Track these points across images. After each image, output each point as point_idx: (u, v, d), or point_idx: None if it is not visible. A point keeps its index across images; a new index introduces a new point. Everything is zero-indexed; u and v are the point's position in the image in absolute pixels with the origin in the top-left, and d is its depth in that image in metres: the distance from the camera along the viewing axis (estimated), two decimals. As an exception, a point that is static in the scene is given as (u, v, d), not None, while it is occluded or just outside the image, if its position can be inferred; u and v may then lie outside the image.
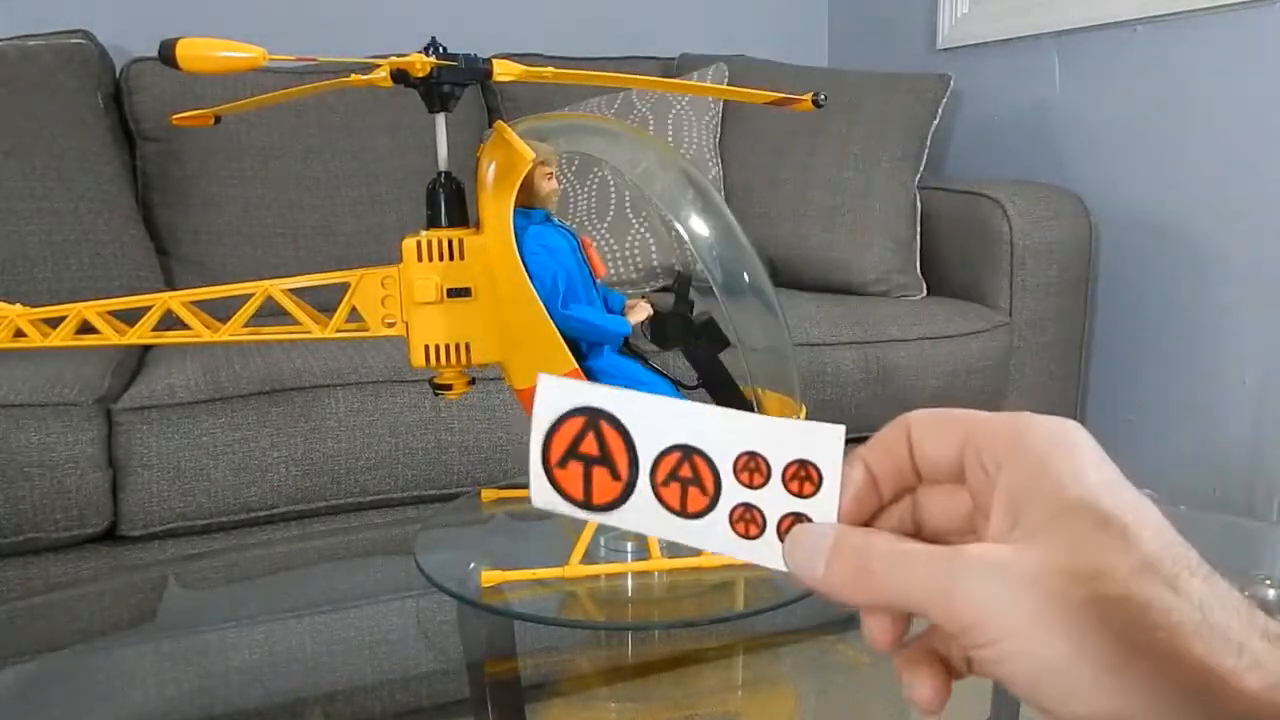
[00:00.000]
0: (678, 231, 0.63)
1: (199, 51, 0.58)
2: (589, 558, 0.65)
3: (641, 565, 0.67)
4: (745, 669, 0.69)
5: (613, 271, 1.56)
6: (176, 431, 1.09)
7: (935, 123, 1.66)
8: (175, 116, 0.72)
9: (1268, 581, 0.71)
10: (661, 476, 0.30)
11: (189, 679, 0.69)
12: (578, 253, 0.66)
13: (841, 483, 0.28)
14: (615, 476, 0.30)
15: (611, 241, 1.58)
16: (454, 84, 0.63)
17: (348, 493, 1.15)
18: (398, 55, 0.62)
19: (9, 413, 1.04)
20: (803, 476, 0.28)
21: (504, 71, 0.63)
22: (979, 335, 1.46)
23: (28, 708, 0.64)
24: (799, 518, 0.28)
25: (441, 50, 0.62)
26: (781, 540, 0.29)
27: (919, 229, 1.62)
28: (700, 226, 0.63)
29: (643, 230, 1.58)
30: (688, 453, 0.30)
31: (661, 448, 0.30)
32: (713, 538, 0.30)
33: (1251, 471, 1.44)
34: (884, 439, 0.29)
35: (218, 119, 0.72)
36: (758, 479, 0.29)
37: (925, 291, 1.60)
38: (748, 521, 0.29)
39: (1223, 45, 1.44)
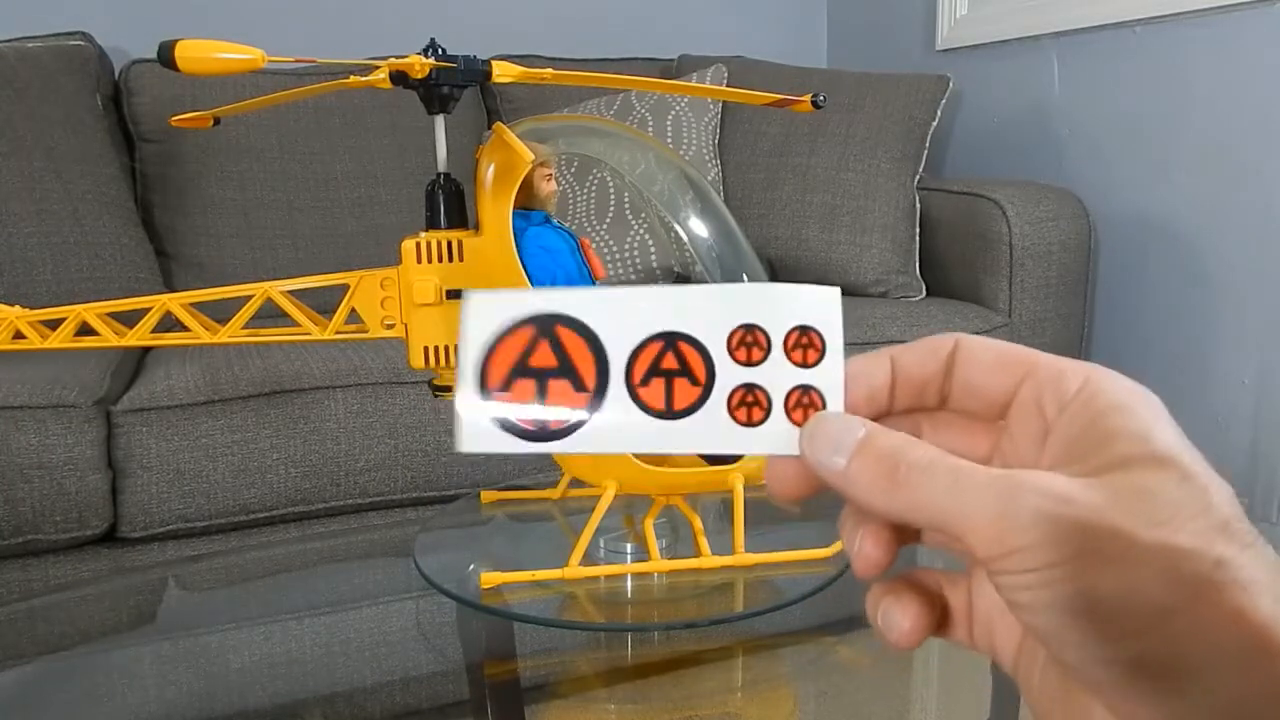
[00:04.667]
0: (677, 233, 0.63)
1: (198, 53, 0.58)
2: (588, 559, 0.65)
3: (641, 566, 0.67)
4: (745, 670, 0.69)
5: (612, 273, 1.56)
6: (176, 433, 1.09)
7: (934, 123, 1.66)
8: (174, 118, 0.72)
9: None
10: (640, 374, 0.26)
11: (189, 681, 0.69)
12: (577, 254, 0.67)
13: (859, 374, 0.26)
14: (579, 387, 0.26)
15: (611, 243, 1.58)
16: (453, 85, 0.63)
17: (347, 494, 1.15)
18: (397, 57, 0.62)
19: (8, 414, 1.04)
20: (805, 344, 0.26)
21: (503, 73, 0.63)
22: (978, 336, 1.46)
23: (28, 710, 0.64)
24: (806, 390, 0.26)
25: (440, 52, 0.62)
26: (790, 418, 0.26)
27: (918, 230, 1.62)
28: (699, 227, 0.63)
29: (642, 231, 1.58)
30: (670, 339, 0.26)
31: (638, 340, 0.26)
32: (709, 434, 0.26)
33: (1251, 471, 1.44)
34: (922, 348, 0.27)
35: (217, 120, 0.73)
36: (756, 354, 0.26)
37: (924, 292, 1.60)
38: (750, 405, 0.26)
39: (1223, 45, 1.44)
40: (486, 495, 0.81)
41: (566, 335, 0.26)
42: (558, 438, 0.26)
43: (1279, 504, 1.40)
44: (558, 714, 0.65)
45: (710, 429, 0.26)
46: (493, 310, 0.26)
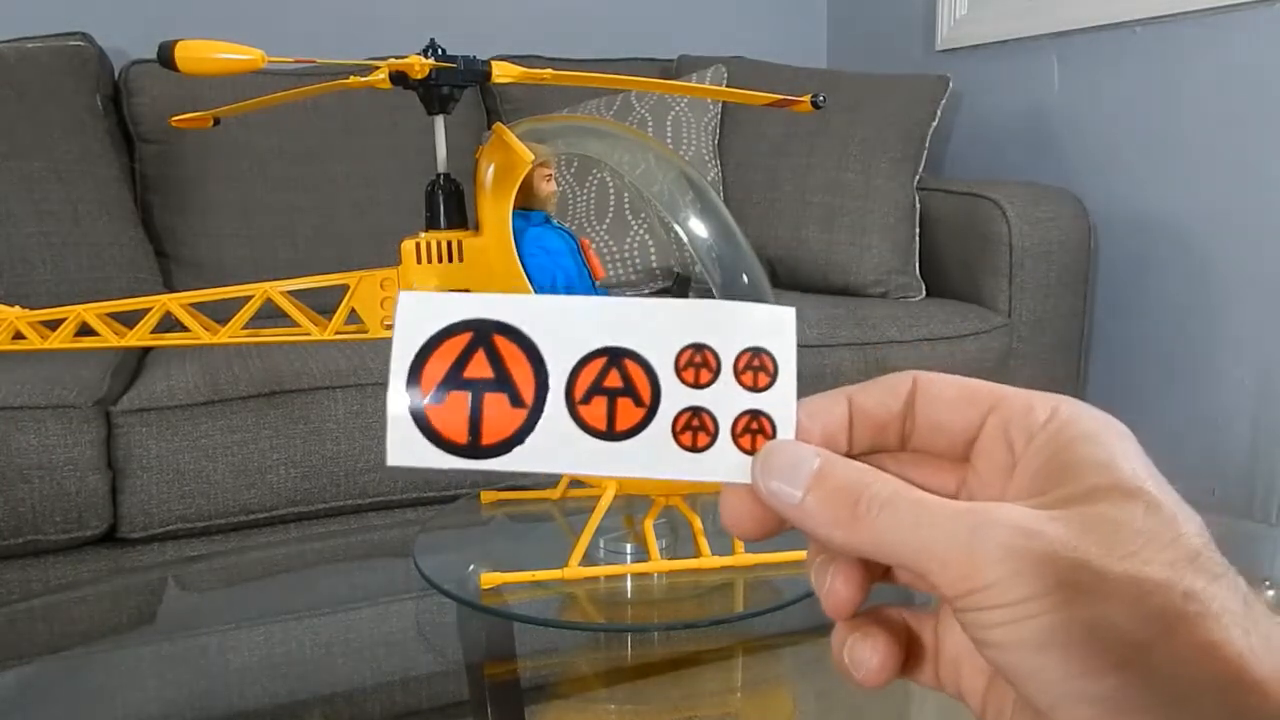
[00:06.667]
0: (677, 233, 0.63)
1: (197, 53, 0.58)
2: (588, 559, 0.65)
3: (640, 567, 0.67)
4: (744, 670, 0.69)
5: (612, 273, 1.56)
6: (176, 434, 1.09)
7: (934, 124, 1.66)
8: (174, 118, 0.72)
9: (1267, 584, 0.71)
10: (581, 392, 0.24)
11: (189, 681, 0.69)
12: (576, 254, 0.67)
13: (815, 413, 0.25)
14: (517, 402, 0.24)
15: (610, 243, 1.58)
16: (453, 86, 0.63)
17: (347, 495, 1.15)
18: (397, 57, 0.62)
19: (8, 415, 1.04)
20: (756, 367, 0.24)
21: (503, 73, 0.63)
22: (978, 336, 1.46)
23: (27, 710, 0.64)
24: (756, 415, 0.24)
25: (440, 52, 0.62)
26: (738, 444, 0.24)
27: (918, 230, 1.62)
28: (699, 228, 0.63)
29: (642, 232, 1.58)
30: (615, 356, 0.25)
31: (580, 355, 0.24)
32: (652, 457, 0.24)
33: (1251, 472, 1.44)
34: (881, 387, 0.26)
35: (217, 121, 0.73)
36: (705, 375, 0.24)
37: (924, 293, 1.60)
38: (695, 430, 0.24)
39: (1223, 45, 1.44)
40: (486, 495, 0.81)
41: (505, 346, 0.24)
42: (492, 455, 0.24)
43: (1279, 504, 1.40)
44: (558, 714, 0.65)
45: (653, 453, 0.25)
46: (426, 313, 0.25)
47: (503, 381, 0.24)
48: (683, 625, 0.66)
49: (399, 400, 0.24)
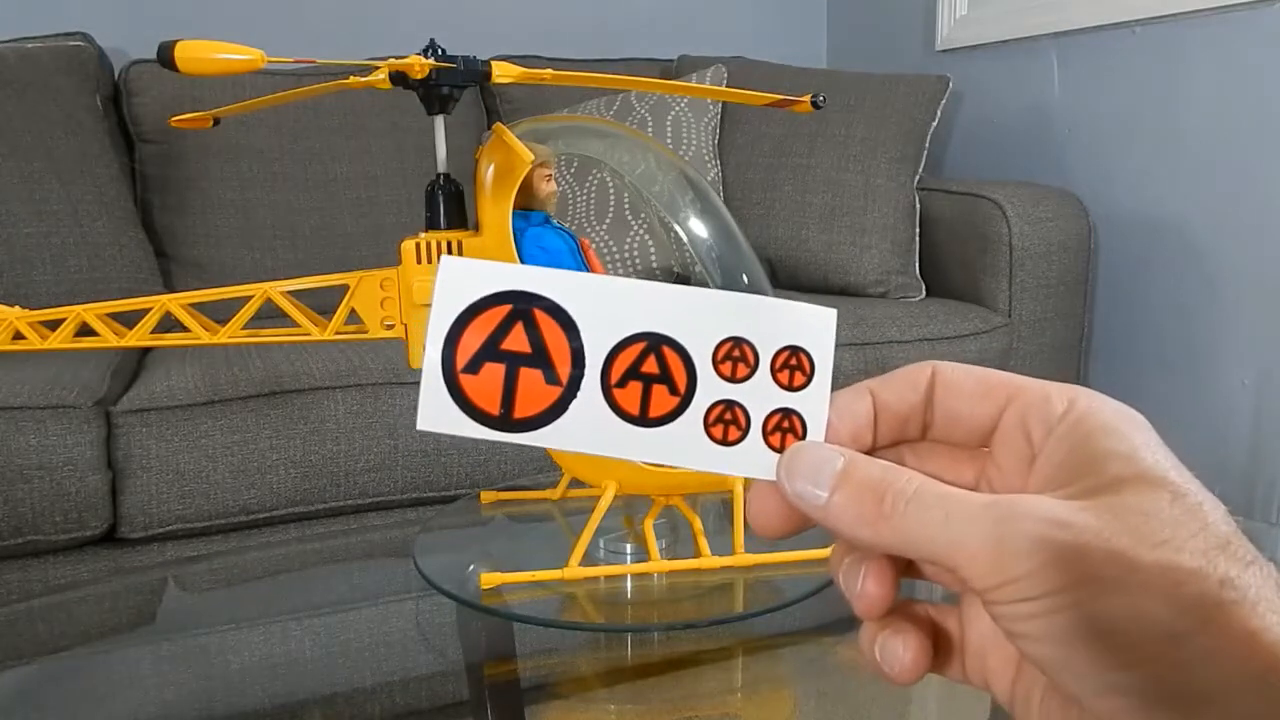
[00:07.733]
0: (677, 233, 0.63)
1: (197, 54, 0.58)
2: (588, 559, 0.65)
3: (641, 567, 0.67)
4: (745, 671, 0.69)
5: (612, 273, 1.57)
6: (176, 434, 1.09)
7: (934, 124, 1.66)
8: (174, 119, 0.72)
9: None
10: (617, 375, 0.24)
11: (188, 681, 0.69)
12: (576, 254, 0.66)
13: (843, 411, 0.25)
14: (552, 379, 0.24)
15: (610, 243, 1.58)
16: (453, 86, 0.63)
17: (347, 495, 1.15)
18: (397, 57, 0.62)
19: (8, 415, 1.04)
20: (793, 365, 0.25)
21: (503, 73, 0.63)
22: (978, 336, 1.46)
23: (27, 711, 0.64)
24: (788, 414, 0.25)
25: (440, 52, 0.62)
26: (768, 442, 0.25)
27: (918, 230, 1.62)
28: (699, 228, 0.63)
29: (642, 232, 1.58)
30: (655, 342, 0.24)
31: (620, 338, 0.24)
32: (682, 447, 0.25)
33: (1251, 471, 1.44)
34: (901, 380, 0.26)
35: (216, 121, 0.73)
36: (742, 370, 0.25)
37: (924, 292, 1.60)
38: (727, 423, 0.25)
39: (1223, 45, 1.44)
40: (486, 495, 0.81)
41: (544, 321, 0.24)
42: (522, 430, 0.25)
43: (1279, 504, 1.40)
44: (558, 714, 0.65)
45: (683, 443, 0.25)
46: (468, 280, 0.24)
47: (540, 357, 0.24)
48: (683, 625, 0.66)
49: (434, 366, 0.24)
